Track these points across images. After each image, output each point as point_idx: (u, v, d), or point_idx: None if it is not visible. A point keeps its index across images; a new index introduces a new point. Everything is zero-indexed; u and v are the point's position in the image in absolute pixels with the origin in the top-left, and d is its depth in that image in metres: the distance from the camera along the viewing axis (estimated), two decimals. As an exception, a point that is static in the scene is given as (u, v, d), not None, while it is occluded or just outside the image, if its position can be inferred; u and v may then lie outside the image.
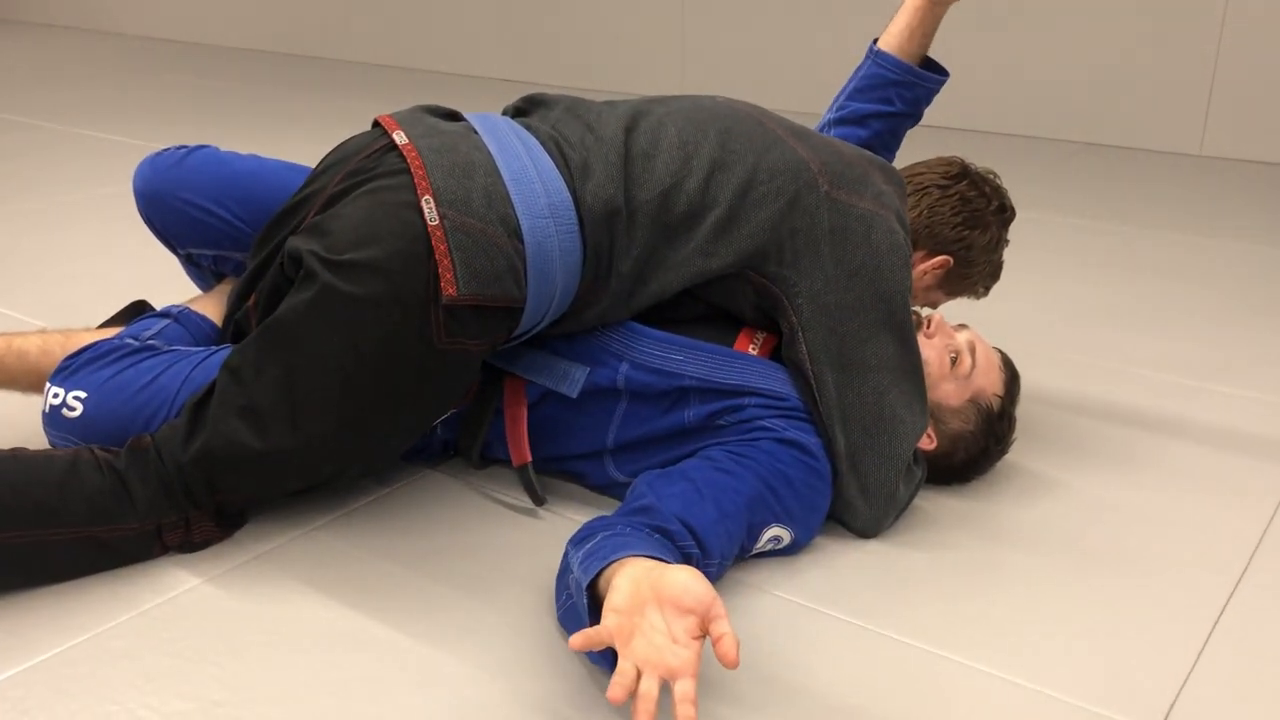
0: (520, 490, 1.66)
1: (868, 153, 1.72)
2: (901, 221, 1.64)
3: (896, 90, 1.88)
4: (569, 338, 1.62)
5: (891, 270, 1.59)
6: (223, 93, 5.01)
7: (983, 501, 1.71)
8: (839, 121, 1.92)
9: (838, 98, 1.94)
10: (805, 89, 4.33)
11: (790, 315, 1.58)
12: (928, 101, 1.92)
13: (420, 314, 1.44)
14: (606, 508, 1.61)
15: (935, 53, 1.89)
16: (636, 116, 1.63)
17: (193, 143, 1.86)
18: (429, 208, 1.45)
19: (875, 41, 1.91)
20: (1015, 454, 1.77)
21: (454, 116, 1.66)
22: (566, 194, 1.52)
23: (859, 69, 1.92)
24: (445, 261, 1.43)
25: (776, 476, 1.49)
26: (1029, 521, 1.65)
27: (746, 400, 1.56)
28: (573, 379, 1.60)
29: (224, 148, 1.85)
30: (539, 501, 1.62)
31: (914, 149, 2.09)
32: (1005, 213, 1.82)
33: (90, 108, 4.59)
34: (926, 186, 1.78)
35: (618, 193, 1.54)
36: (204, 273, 1.87)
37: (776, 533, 1.50)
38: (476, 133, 1.58)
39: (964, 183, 1.79)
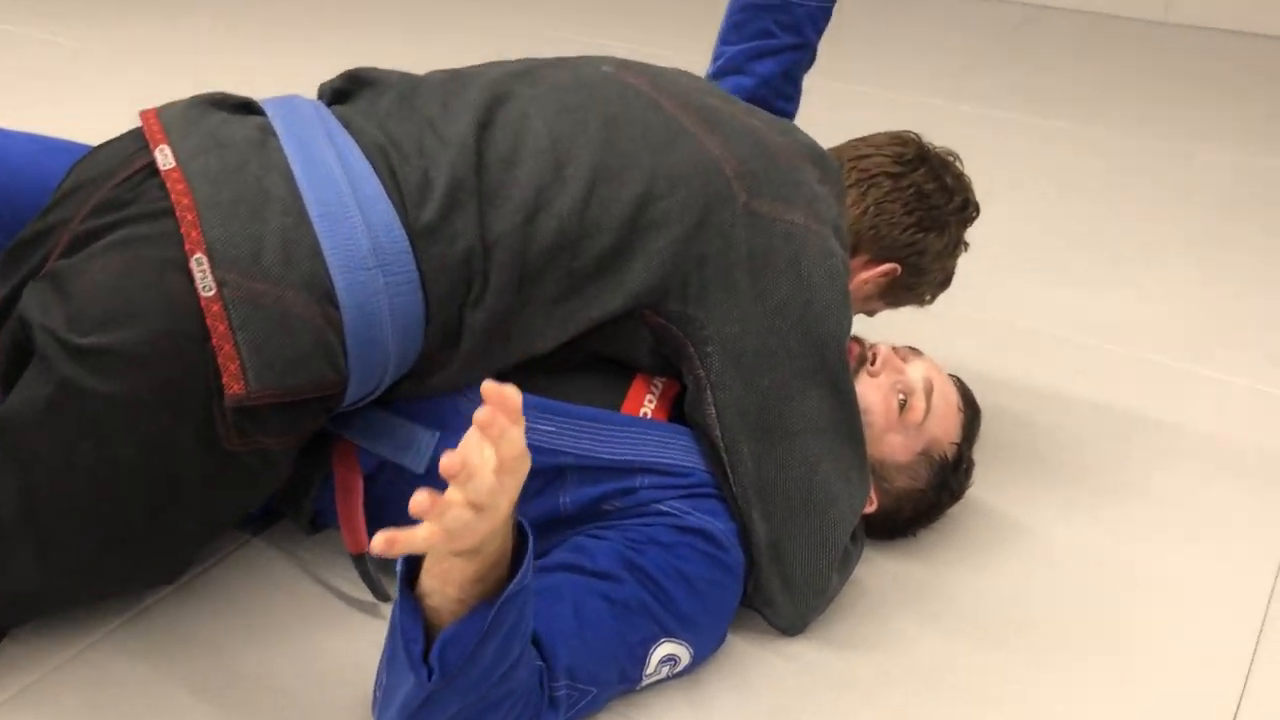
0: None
1: (799, 136, 1.36)
2: (840, 236, 1.29)
3: (773, 18, 1.51)
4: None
5: (825, 308, 1.25)
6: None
7: (928, 564, 1.42)
8: (718, 74, 1.54)
9: (716, 44, 1.55)
10: None
11: (696, 367, 1.24)
12: (817, 25, 1.53)
13: (198, 415, 1.07)
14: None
15: None
16: (494, 104, 1.24)
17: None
18: (201, 271, 1.06)
19: None
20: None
21: (248, 107, 1.25)
22: (399, 229, 1.14)
23: (730, 2, 1.54)
24: (227, 347, 1.05)
25: (670, 576, 1.18)
26: (985, 591, 1.38)
27: (638, 480, 1.23)
28: (419, 448, 1.24)
29: None
30: (383, 597, 1.29)
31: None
32: (967, 210, 1.45)
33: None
34: (874, 174, 1.41)
35: (469, 223, 1.16)
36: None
37: (670, 650, 1.18)
38: (275, 135, 1.18)
39: (920, 171, 1.41)
